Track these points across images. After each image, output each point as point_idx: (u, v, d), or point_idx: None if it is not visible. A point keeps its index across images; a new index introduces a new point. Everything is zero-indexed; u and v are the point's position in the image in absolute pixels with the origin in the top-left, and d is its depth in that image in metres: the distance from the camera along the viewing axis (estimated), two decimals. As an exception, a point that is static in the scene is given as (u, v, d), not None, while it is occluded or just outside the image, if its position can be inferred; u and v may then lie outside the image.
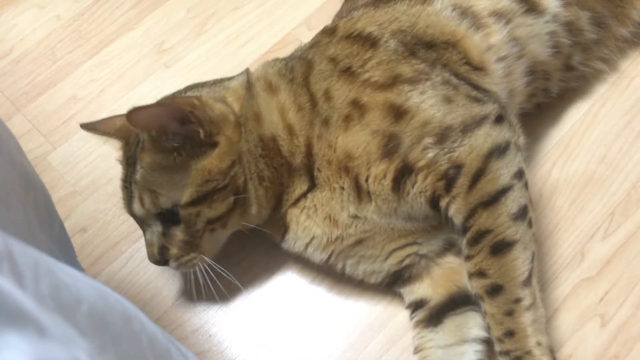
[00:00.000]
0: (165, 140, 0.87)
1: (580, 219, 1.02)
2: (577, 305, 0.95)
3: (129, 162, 0.91)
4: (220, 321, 1.02)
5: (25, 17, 1.43)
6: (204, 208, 0.88)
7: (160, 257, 0.92)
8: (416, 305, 0.95)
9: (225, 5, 1.39)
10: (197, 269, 0.93)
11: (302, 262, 1.03)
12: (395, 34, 0.92)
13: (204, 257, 0.93)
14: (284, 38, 1.32)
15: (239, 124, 0.90)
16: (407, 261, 0.94)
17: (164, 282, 1.06)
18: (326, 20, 1.07)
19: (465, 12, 0.94)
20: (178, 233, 0.90)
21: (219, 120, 0.88)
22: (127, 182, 0.91)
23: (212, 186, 0.87)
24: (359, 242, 0.94)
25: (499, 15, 0.95)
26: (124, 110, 1.28)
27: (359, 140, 0.85)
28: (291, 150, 0.90)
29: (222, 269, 0.94)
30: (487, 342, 0.90)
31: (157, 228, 0.91)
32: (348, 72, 0.89)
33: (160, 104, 0.91)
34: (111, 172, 1.18)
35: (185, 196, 0.87)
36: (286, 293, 1.03)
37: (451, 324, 0.91)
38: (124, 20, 1.40)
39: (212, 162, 0.87)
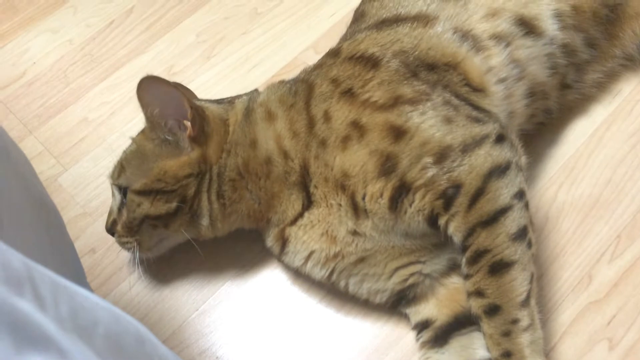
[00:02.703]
0: (160, 128, 0.94)
1: (587, 242, 1.02)
2: (585, 328, 0.95)
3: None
4: (227, 343, 1.02)
5: (38, 41, 1.46)
6: (145, 202, 0.94)
7: (109, 227, 1.01)
8: (422, 326, 0.95)
9: (233, 30, 1.42)
10: (133, 254, 1.00)
11: (309, 284, 1.04)
12: (397, 54, 0.94)
13: (140, 247, 0.99)
14: (292, 62, 1.34)
15: (222, 149, 0.96)
16: (411, 280, 0.94)
17: (171, 303, 1.06)
18: (333, 44, 1.08)
19: (465, 35, 0.96)
20: (124, 213, 0.98)
21: (208, 138, 0.95)
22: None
23: (160, 186, 0.93)
24: (361, 260, 0.94)
25: (498, 38, 0.97)
26: (134, 132, 1.30)
27: (356, 160, 0.86)
28: (286, 171, 0.93)
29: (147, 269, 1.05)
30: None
31: (117, 200, 1.00)
32: (349, 94, 0.90)
33: (176, 86, 0.95)
34: (121, 193, 1.19)
35: (137, 184, 0.95)
36: (293, 316, 1.03)
37: (457, 344, 0.91)
38: (135, 45, 1.42)
39: (172, 165, 0.94)
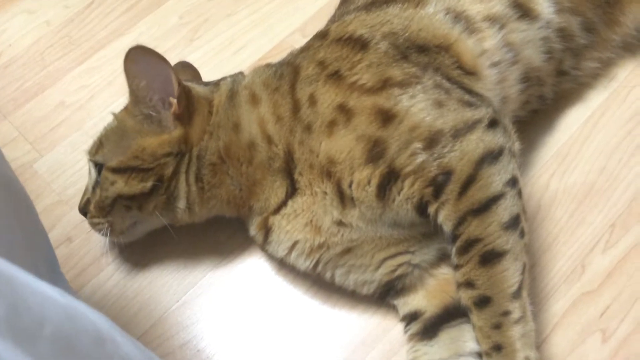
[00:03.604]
0: (144, 103, 0.91)
1: (580, 231, 1.00)
2: (578, 320, 0.93)
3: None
4: (208, 335, 0.99)
5: (14, 22, 1.41)
6: (120, 180, 0.91)
7: (82, 206, 0.98)
8: (410, 318, 0.92)
9: (218, 11, 1.37)
10: (105, 236, 0.96)
11: (294, 275, 1.01)
12: (386, 36, 0.91)
13: (112, 229, 0.95)
14: (278, 45, 1.30)
15: (205, 131, 0.92)
16: (399, 271, 0.92)
17: (150, 295, 1.03)
18: (320, 27, 1.05)
19: (458, 16, 0.93)
20: (97, 192, 0.94)
21: (192, 118, 0.92)
22: None
23: (137, 163, 0.90)
24: (347, 251, 0.91)
25: (493, 20, 0.94)
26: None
27: (342, 146, 0.83)
28: (269, 157, 0.89)
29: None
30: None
31: (93, 178, 0.96)
32: (335, 76, 0.87)
33: (165, 60, 0.91)
34: (99, 180, 1.15)
35: (113, 161, 0.91)
36: (278, 307, 1.00)
37: (446, 337, 0.88)
38: (115, 26, 1.37)
39: (152, 142, 0.90)
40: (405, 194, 0.83)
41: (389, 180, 0.83)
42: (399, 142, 0.81)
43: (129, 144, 0.91)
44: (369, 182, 0.83)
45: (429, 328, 0.90)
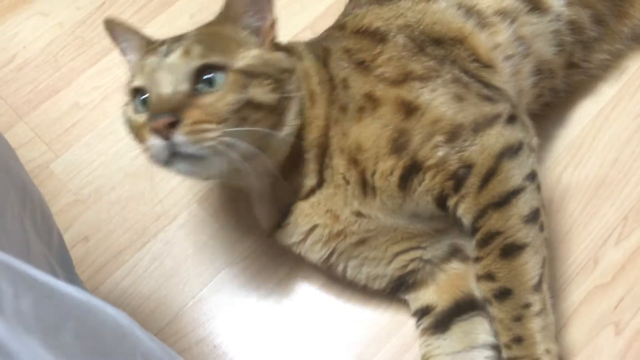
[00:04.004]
0: (241, 15, 0.86)
1: (593, 224, 1.00)
2: (591, 312, 0.93)
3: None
4: (224, 331, 1.00)
5: (27, 24, 1.42)
6: (253, 83, 0.80)
7: (171, 110, 0.75)
8: (422, 312, 0.93)
9: (228, 11, 1.38)
10: (215, 149, 0.76)
11: (309, 271, 1.02)
12: (402, 29, 0.92)
13: (217, 142, 0.76)
14: (288, 42, 1.30)
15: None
16: (411, 266, 0.93)
17: (166, 292, 1.04)
18: (330, 24, 1.05)
19: (470, 11, 0.94)
20: (210, 98, 0.77)
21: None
22: (173, 43, 0.83)
23: (267, 70, 0.83)
24: (362, 242, 0.92)
25: (504, 14, 0.94)
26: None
27: (369, 133, 0.84)
28: (311, 118, 0.87)
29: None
30: (496, 348, 0.88)
31: (183, 85, 0.78)
32: (362, 66, 0.88)
33: None
34: (114, 180, 1.17)
35: (241, 62, 0.81)
36: (292, 303, 1.01)
37: (458, 330, 0.89)
38: (127, 27, 1.38)
39: (276, 55, 0.86)
40: (426, 186, 0.83)
41: (411, 172, 0.83)
42: (422, 134, 0.82)
43: (247, 48, 0.83)
44: (391, 173, 0.84)
45: (440, 322, 0.91)
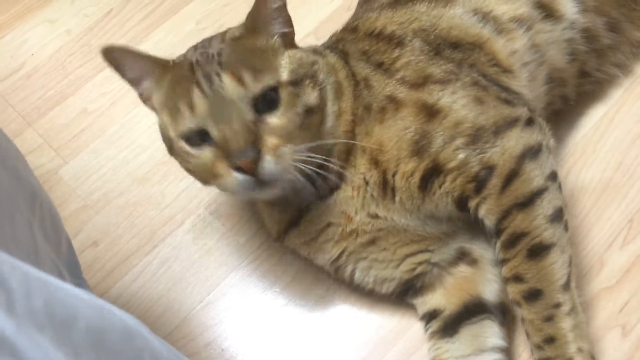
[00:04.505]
0: (269, 23, 0.83)
1: (598, 227, 1.00)
2: (597, 315, 0.93)
3: (207, 56, 0.81)
4: (232, 335, 1.01)
5: (35, 32, 1.44)
6: (301, 90, 0.81)
7: (253, 150, 0.75)
8: (430, 316, 0.93)
9: (234, 16, 1.39)
10: (294, 168, 0.78)
11: (315, 274, 1.02)
12: (417, 32, 0.92)
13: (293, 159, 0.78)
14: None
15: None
16: (419, 269, 0.93)
17: (175, 296, 1.05)
18: (334, 30, 1.06)
19: (486, 17, 0.94)
20: (275, 120, 0.78)
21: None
22: (210, 66, 0.79)
23: (303, 71, 0.82)
24: (372, 242, 0.92)
25: (519, 21, 0.95)
26: (134, 123, 1.28)
27: (392, 134, 0.85)
28: (340, 111, 0.87)
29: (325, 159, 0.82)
30: (506, 351, 0.89)
31: (248, 116, 0.77)
32: (382, 68, 0.89)
33: None
34: (122, 185, 1.18)
35: (286, 73, 0.80)
36: (298, 306, 1.02)
37: (467, 333, 0.89)
38: (134, 34, 1.40)
39: (302, 54, 0.85)
40: (447, 188, 0.84)
41: (432, 174, 0.84)
42: (444, 136, 0.83)
43: (280, 55, 0.83)
44: (412, 174, 0.84)
45: (449, 325, 0.91)
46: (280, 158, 0.76)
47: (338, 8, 1.35)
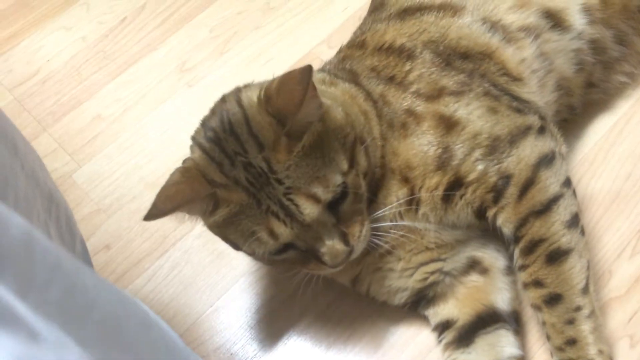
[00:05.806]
0: (301, 124, 0.75)
1: (607, 237, 1.00)
2: (605, 325, 0.93)
3: (255, 180, 0.76)
4: (241, 339, 1.01)
5: (51, 39, 1.46)
6: (356, 166, 0.79)
7: (347, 249, 0.79)
8: (443, 327, 0.93)
9: (246, 25, 1.41)
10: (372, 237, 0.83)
11: (324, 282, 1.03)
12: (427, 44, 0.93)
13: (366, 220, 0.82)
14: (305, 56, 1.33)
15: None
16: (431, 278, 0.93)
17: (185, 300, 1.06)
18: (346, 38, 1.07)
19: (494, 26, 0.95)
20: (347, 208, 0.79)
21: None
22: (271, 189, 0.75)
23: (349, 140, 0.79)
24: (389, 251, 0.91)
25: (527, 30, 0.96)
26: (147, 129, 1.30)
27: (417, 150, 0.86)
28: (374, 139, 0.85)
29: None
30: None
31: (330, 221, 0.78)
32: (395, 82, 0.90)
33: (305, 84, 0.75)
34: (134, 190, 1.19)
35: (343, 162, 0.77)
36: (307, 312, 1.02)
37: (483, 343, 0.89)
38: (148, 41, 1.42)
39: (336, 117, 0.79)
40: (468, 199, 0.86)
41: (454, 186, 0.85)
42: (463, 148, 0.84)
43: (326, 144, 0.78)
44: (436, 188, 0.86)
45: (464, 336, 0.91)
46: (365, 237, 0.82)
47: (350, 17, 1.36)
